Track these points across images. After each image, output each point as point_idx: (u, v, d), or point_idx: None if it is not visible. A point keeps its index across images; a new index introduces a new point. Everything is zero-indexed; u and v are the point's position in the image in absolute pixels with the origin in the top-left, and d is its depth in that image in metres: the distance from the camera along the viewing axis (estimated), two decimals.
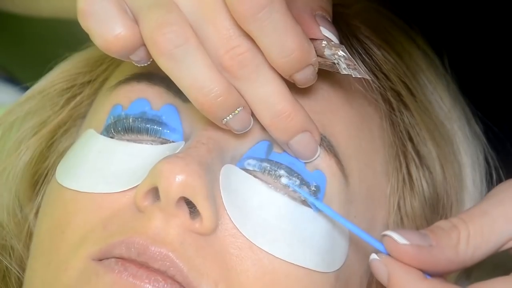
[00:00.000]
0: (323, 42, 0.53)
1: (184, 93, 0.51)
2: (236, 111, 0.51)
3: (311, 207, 0.54)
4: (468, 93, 0.67)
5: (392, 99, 0.60)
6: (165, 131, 0.55)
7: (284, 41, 0.49)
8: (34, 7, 0.83)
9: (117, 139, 0.56)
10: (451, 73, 0.67)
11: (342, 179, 0.55)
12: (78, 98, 0.64)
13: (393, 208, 0.59)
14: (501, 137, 0.67)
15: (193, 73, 0.50)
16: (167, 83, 0.54)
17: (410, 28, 0.66)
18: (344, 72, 0.52)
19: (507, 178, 0.53)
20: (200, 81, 0.50)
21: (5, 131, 0.66)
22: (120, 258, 0.51)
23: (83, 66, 0.65)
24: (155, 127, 0.55)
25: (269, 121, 0.52)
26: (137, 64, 0.52)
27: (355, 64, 0.52)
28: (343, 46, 0.53)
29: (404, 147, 0.60)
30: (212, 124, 0.53)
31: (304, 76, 0.52)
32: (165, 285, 0.50)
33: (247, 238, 0.52)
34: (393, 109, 0.60)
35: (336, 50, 0.52)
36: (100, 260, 0.51)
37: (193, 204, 0.51)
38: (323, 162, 0.55)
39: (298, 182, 0.54)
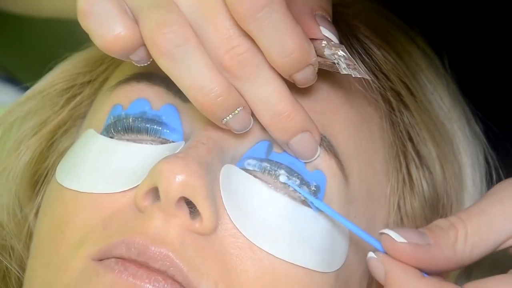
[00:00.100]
0: (323, 42, 0.53)
1: (184, 93, 0.51)
2: (236, 111, 0.51)
3: (311, 207, 0.54)
4: (468, 93, 0.67)
5: (392, 99, 0.60)
6: (165, 131, 0.55)
7: (284, 41, 0.49)
8: (34, 7, 0.83)
9: (117, 139, 0.56)
10: (451, 73, 0.67)
11: (342, 179, 0.55)
12: (78, 98, 0.64)
13: (393, 208, 0.59)
14: (501, 137, 0.67)
15: (193, 73, 0.50)
16: (167, 83, 0.54)
17: (410, 28, 0.66)
18: (344, 72, 0.52)
19: (507, 178, 0.53)
20: (200, 81, 0.50)
21: (5, 131, 0.66)
22: (120, 258, 0.51)
23: (83, 66, 0.65)
24: (155, 126, 0.55)
25: (269, 121, 0.52)
26: (137, 64, 0.52)
27: (355, 64, 0.53)
28: (343, 46, 0.53)
29: (404, 147, 0.60)
30: (212, 124, 0.53)
31: (304, 76, 0.52)
32: (165, 285, 0.50)
33: (247, 238, 0.52)
34: (393, 109, 0.60)
35: (336, 50, 0.52)
36: (100, 260, 0.51)
37: (193, 204, 0.51)
38: (323, 162, 0.55)
39: (298, 182, 0.54)
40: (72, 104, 0.64)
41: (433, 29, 0.67)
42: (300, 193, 0.54)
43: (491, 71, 0.74)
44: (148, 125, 0.55)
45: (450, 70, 0.67)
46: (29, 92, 0.66)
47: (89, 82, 0.64)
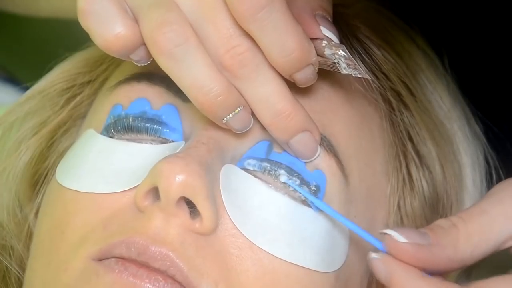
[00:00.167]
0: (323, 41, 0.53)
1: (184, 93, 0.51)
2: (236, 111, 0.51)
3: (311, 207, 0.54)
4: (468, 93, 0.67)
5: (392, 99, 0.60)
6: (165, 130, 0.55)
7: (285, 40, 0.49)
8: (34, 7, 0.83)
9: (117, 138, 0.56)
10: (451, 73, 0.67)
11: (342, 178, 0.55)
12: (78, 98, 0.64)
13: (393, 208, 0.59)
14: (501, 137, 0.67)
15: (193, 73, 0.50)
16: (167, 82, 0.54)
17: (410, 28, 0.66)
18: (344, 71, 0.52)
19: (507, 178, 0.53)
20: (200, 80, 0.50)
21: (5, 131, 0.66)
22: (120, 258, 0.51)
23: (83, 66, 0.65)
24: (155, 126, 0.55)
25: (269, 121, 0.52)
26: (137, 64, 0.52)
27: (355, 64, 0.53)
28: (343, 45, 0.53)
29: (404, 147, 0.60)
30: (212, 123, 0.53)
31: (304, 76, 0.52)
32: (165, 285, 0.50)
33: (247, 238, 0.52)
34: (393, 109, 0.60)
35: (336, 50, 0.52)
36: (100, 260, 0.51)
37: (193, 204, 0.51)
38: (323, 161, 0.55)
39: (298, 181, 0.54)
40: (72, 104, 0.64)
41: (433, 29, 0.67)
42: (300, 193, 0.54)
43: (491, 71, 0.74)
44: (148, 125, 0.55)
45: (450, 70, 0.67)
46: (29, 92, 0.66)
47: (89, 82, 0.64)
